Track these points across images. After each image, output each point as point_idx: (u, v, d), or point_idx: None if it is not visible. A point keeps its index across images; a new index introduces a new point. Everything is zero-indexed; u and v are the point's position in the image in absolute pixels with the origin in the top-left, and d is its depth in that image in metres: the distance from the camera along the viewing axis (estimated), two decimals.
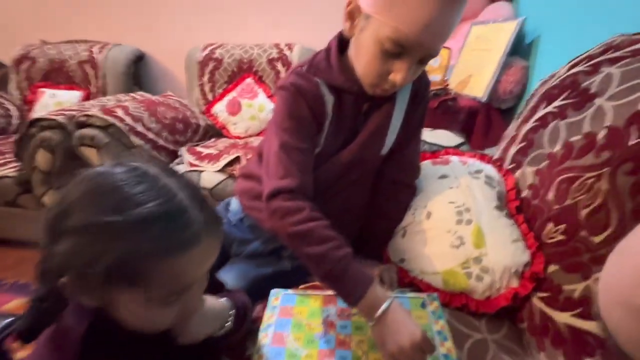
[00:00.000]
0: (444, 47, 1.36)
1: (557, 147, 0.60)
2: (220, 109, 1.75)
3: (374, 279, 0.51)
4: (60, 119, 1.27)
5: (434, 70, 1.37)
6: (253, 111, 1.71)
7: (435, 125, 1.07)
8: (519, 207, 0.65)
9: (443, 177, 0.72)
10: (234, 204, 0.77)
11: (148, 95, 1.64)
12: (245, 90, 1.74)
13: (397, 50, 0.50)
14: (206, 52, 1.79)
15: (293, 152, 0.57)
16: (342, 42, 0.61)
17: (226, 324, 0.48)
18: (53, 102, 1.77)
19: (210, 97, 1.80)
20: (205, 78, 1.79)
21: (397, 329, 0.46)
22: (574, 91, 0.63)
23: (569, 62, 0.71)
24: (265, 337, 0.55)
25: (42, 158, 1.29)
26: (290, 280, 0.67)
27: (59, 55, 1.82)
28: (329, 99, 0.60)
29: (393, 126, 0.65)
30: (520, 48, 1.25)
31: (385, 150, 0.67)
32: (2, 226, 1.48)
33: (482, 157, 0.78)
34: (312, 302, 0.61)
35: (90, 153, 1.26)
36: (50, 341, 0.37)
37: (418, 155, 0.73)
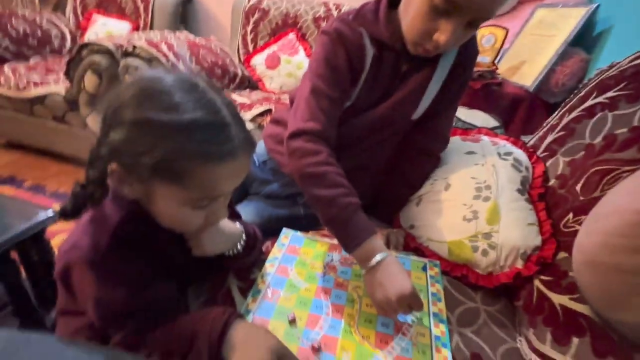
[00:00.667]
0: (501, 27, 1.28)
1: (598, 139, 0.58)
2: (259, 61, 1.75)
3: (376, 231, 0.52)
4: (109, 45, 1.32)
5: (485, 51, 1.30)
6: (291, 68, 1.70)
7: (473, 107, 1.03)
8: (541, 195, 0.64)
9: (470, 153, 0.70)
10: (260, 147, 0.80)
11: (192, 37, 1.66)
12: (286, 45, 1.72)
13: (446, 7, 0.48)
14: (253, 1, 1.76)
15: (322, 98, 0.58)
16: None
17: (237, 247, 0.53)
18: (104, 30, 1.83)
19: (251, 47, 1.80)
20: (249, 28, 1.78)
21: (388, 280, 0.47)
22: (631, 83, 0.59)
23: (635, 53, 0.65)
24: (271, 267, 0.60)
25: (89, 80, 1.36)
26: (302, 225, 0.70)
27: None
28: (370, 52, 0.59)
29: (430, 91, 0.63)
30: (584, 38, 1.15)
31: (417, 114, 0.66)
32: (49, 139, 1.61)
33: (515, 142, 0.75)
34: (318, 246, 0.65)
35: None
36: (90, 223, 0.42)
37: (449, 127, 0.71)
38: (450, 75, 0.64)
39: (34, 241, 0.74)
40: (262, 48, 1.77)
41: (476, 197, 0.62)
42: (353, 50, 0.58)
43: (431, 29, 0.51)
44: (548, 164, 0.67)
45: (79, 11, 1.94)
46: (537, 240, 0.57)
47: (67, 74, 1.41)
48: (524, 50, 1.31)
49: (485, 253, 0.58)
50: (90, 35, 1.84)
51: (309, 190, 0.54)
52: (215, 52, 1.65)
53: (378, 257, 0.49)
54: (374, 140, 0.68)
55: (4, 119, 1.60)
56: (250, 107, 1.38)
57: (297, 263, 0.61)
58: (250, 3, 1.77)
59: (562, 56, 1.14)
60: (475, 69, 1.18)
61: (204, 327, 0.39)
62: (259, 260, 0.61)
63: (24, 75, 1.52)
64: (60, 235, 1.20)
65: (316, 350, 0.46)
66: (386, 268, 0.49)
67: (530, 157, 0.71)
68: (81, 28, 1.93)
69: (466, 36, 0.54)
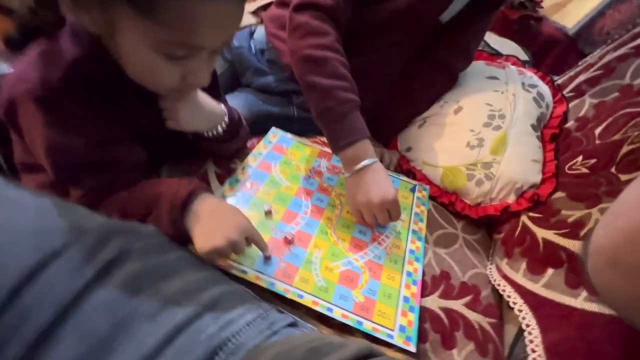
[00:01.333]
0: None
1: (638, 80, 0.51)
2: None
3: (369, 136, 0.48)
4: None
5: None
6: None
7: (504, 35, 0.92)
8: (554, 135, 0.59)
9: (492, 78, 0.63)
10: (259, 33, 0.70)
11: None
12: None
13: None
14: None
15: None
16: None
17: (218, 128, 0.47)
18: None
19: None
20: None
21: (373, 185, 0.45)
22: None
23: None
24: (254, 160, 0.56)
25: None
26: (292, 128, 0.65)
27: None
28: None
29: None
30: None
31: (446, 16, 0.57)
32: None
33: (543, 77, 0.67)
34: (307, 150, 0.60)
35: None
36: (40, 56, 0.34)
37: (476, 45, 0.63)
38: None
39: None
40: None
41: (486, 125, 0.57)
42: None
43: None
44: (572, 104, 0.61)
45: None
46: (536, 178, 0.54)
47: None
48: None
49: (479, 183, 0.56)
50: None
51: (306, 76, 0.47)
52: None
53: (367, 161, 0.46)
54: (392, 38, 0.59)
55: None
56: None
57: (282, 162, 0.57)
58: None
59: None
60: None
61: (167, 190, 0.36)
62: (242, 152, 0.57)
63: None
64: None
65: (288, 242, 0.45)
66: (373, 172, 0.46)
67: (554, 94, 0.64)
68: None
69: None
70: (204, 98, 0.45)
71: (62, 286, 0.24)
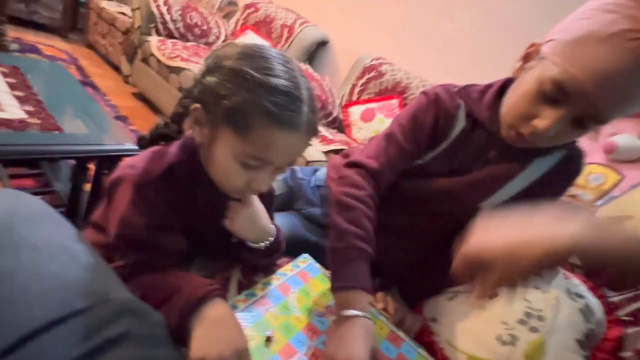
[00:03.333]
0: (617, 171, 1.16)
1: None
2: (356, 110, 1.87)
3: (370, 292, 0.50)
4: None
5: (589, 188, 1.18)
6: (381, 127, 1.77)
7: None
8: None
9: None
10: (321, 172, 0.82)
11: (310, 69, 1.88)
12: (386, 107, 1.82)
13: (555, 94, 0.44)
14: (375, 62, 1.94)
15: (393, 145, 0.59)
16: (505, 88, 0.59)
17: (263, 243, 0.53)
18: (249, 41, 2.19)
19: (354, 97, 1.95)
20: (361, 81, 1.94)
21: (347, 339, 0.43)
22: None
23: None
24: (277, 280, 0.57)
25: None
26: (324, 260, 0.67)
27: (274, 14, 2.25)
28: (460, 124, 0.59)
29: (512, 185, 0.59)
30: None
31: (488, 204, 0.61)
32: (166, 102, 1.90)
33: (594, 289, 0.63)
34: (329, 285, 0.61)
35: None
36: (152, 152, 0.47)
37: None
38: (542, 181, 0.59)
39: (111, 162, 0.85)
40: (364, 101, 1.89)
41: (522, 322, 0.53)
42: (442, 116, 0.59)
43: (532, 113, 0.48)
44: (629, 331, 0.54)
45: (239, 24, 2.37)
46: None
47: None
48: (635, 206, 1.15)
49: None
50: (237, 42, 2.22)
51: (333, 215, 0.54)
52: (323, 88, 1.82)
53: (354, 312, 0.46)
54: (433, 211, 0.64)
55: (146, 75, 1.97)
56: (330, 142, 1.46)
57: (301, 289, 0.57)
58: (372, 62, 1.94)
59: None
60: (570, 201, 1.07)
61: (188, 286, 0.38)
62: (270, 269, 0.59)
63: (178, 50, 1.88)
64: None
65: None
66: (354, 326, 0.45)
67: (608, 313, 0.58)
68: (234, 35, 2.34)
69: (569, 135, 0.49)
70: (262, 214, 0.53)
71: (60, 351, 0.25)
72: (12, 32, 1.79)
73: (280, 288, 0.56)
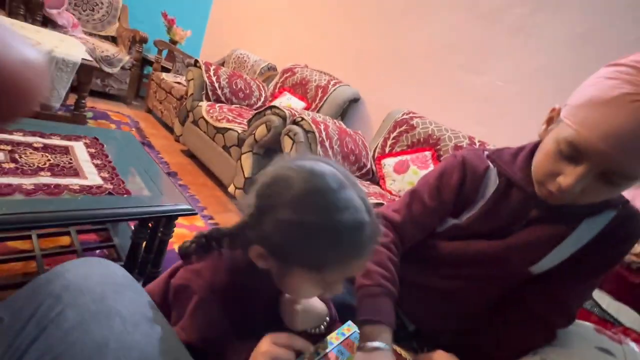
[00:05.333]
0: None
1: None
2: (389, 162, 1.91)
3: (393, 327, 0.53)
4: (286, 111, 1.72)
5: None
6: (415, 178, 1.78)
7: (622, 301, 0.83)
8: None
9: (604, 351, 0.55)
10: None
11: (344, 126, 1.98)
12: (419, 159, 1.84)
13: (571, 153, 0.47)
14: (406, 116, 2.01)
15: (417, 201, 0.63)
16: (536, 150, 0.60)
17: (321, 327, 0.54)
18: (286, 102, 2.39)
19: (387, 150, 2.00)
20: (393, 134, 2.01)
21: None
22: None
23: None
24: (323, 349, 0.57)
25: (260, 130, 1.76)
26: None
27: (309, 76, 2.47)
28: (493, 184, 0.60)
29: (563, 248, 0.57)
30: None
31: (538, 269, 0.58)
32: (211, 159, 2.07)
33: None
34: None
35: (287, 143, 1.63)
36: (215, 260, 0.47)
37: (578, 303, 0.60)
38: (595, 243, 0.56)
39: (167, 221, 0.93)
40: (397, 154, 1.93)
41: None
42: (470, 176, 0.61)
43: (555, 170, 0.50)
44: None
45: (278, 86, 2.62)
46: None
47: (249, 121, 1.87)
48: None
49: None
50: (276, 102, 2.43)
51: None
52: (357, 142, 1.90)
53: (377, 344, 0.49)
54: (476, 275, 0.62)
55: (194, 134, 2.18)
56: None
57: (347, 359, 0.56)
58: (403, 117, 2.02)
59: None
60: (636, 259, 0.98)
61: None
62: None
63: (224, 112, 2.09)
64: (176, 229, 1.45)
65: None
66: (377, 357, 0.48)
67: None
68: (273, 97, 2.57)
69: (600, 191, 0.48)
70: (313, 300, 0.54)
71: None
72: (89, 102, 2.11)
73: (327, 357, 0.55)
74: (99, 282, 0.38)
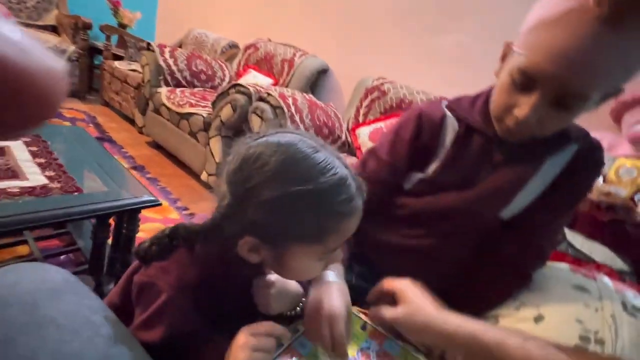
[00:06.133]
0: None
1: None
2: (364, 132, 1.87)
3: (344, 263, 0.56)
4: (251, 89, 1.63)
5: (622, 183, 1.10)
6: None
7: (595, 239, 0.85)
8: None
9: (580, 288, 0.56)
10: None
11: (314, 98, 1.91)
12: None
13: (524, 81, 0.45)
14: (376, 82, 1.96)
15: (373, 158, 0.62)
16: None
17: (297, 309, 0.51)
18: (253, 80, 2.27)
19: (360, 119, 1.96)
20: (365, 102, 1.96)
21: (329, 297, 0.47)
22: None
23: None
24: (302, 325, 0.54)
25: (226, 111, 1.67)
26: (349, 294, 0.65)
27: (273, 50, 2.34)
28: (451, 131, 0.58)
29: (529, 189, 0.56)
30: None
31: (508, 213, 0.58)
32: (178, 147, 1.97)
33: None
34: (358, 324, 0.57)
35: (256, 121, 1.56)
36: (181, 257, 0.42)
37: (551, 245, 0.60)
38: (561, 178, 0.56)
39: (130, 216, 0.86)
40: (371, 122, 1.90)
41: (579, 348, 0.47)
42: (427, 127, 0.59)
43: (511, 103, 0.49)
44: None
45: (242, 64, 2.48)
46: None
47: (214, 103, 1.77)
48: None
49: None
50: (241, 81, 2.31)
51: None
52: (329, 115, 1.84)
53: (330, 277, 0.50)
54: (451, 228, 0.61)
55: (158, 124, 2.05)
56: None
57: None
58: (374, 83, 1.97)
59: None
60: (605, 199, 1.00)
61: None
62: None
63: (186, 97, 1.96)
64: (148, 224, 1.38)
65: None
66: (330, 287, 0.49)
67: None
68: (238, 76, 2.44)
69: (557, 119, 0.47)
70: (286, 282, 0.50)
71: None
72: None
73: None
74: (30, 290, 0.34)
